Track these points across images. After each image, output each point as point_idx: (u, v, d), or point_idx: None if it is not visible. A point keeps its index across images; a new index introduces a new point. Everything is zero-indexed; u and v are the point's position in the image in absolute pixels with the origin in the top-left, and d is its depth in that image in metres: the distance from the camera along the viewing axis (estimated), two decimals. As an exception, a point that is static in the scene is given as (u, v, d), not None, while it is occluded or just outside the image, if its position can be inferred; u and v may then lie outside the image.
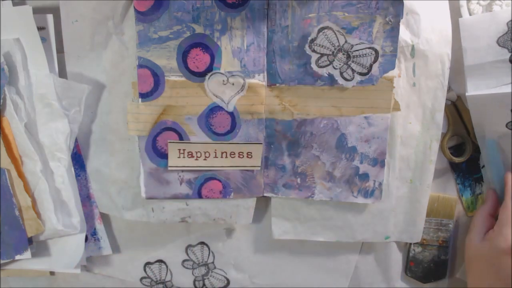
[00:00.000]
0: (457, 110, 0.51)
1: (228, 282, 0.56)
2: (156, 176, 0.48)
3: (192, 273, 0.56)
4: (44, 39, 0.46)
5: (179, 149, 0.47)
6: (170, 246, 0.55)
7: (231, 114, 0.47)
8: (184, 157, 0.48)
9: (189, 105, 0.46)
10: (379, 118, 0.46)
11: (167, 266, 0.55)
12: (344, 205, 0.50)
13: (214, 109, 0.46)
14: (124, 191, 0.50)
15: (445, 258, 0.55)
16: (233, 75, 0.45)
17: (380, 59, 0.44)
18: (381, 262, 0.56)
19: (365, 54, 0.44)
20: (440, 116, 0.48)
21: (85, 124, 0.49)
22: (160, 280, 0.56)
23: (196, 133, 0.47)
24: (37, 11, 0.45)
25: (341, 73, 0.45)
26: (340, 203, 0.50)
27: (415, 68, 0.47)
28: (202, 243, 0.54)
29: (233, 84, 0.45)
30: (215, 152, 0.48)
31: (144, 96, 0.46)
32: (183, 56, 0.45)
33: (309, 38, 0.44)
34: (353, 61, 0.44)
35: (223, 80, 0.45)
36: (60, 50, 0.47)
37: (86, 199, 0.51)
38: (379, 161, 0.48)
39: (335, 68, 0.45)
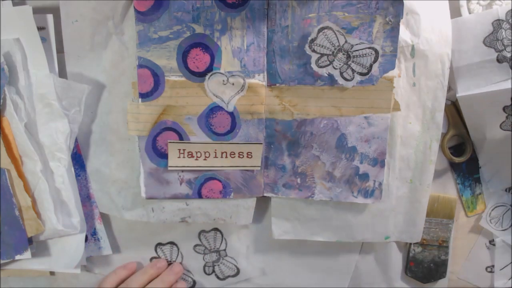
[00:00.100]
0: (457, 110, 0.51)
1: (238, 271, 0.56)
2: (156, 176, 0.48)
3: (203, 258, 0.56)
4: (44, 39, 0.46)
5: (179, 149, 0.47)
6: (182, 230, 0.55)
7: (231, 114, 0.47)
8: (184, 157, 0.48)
9: (189, 105, 0.46)
10: (379, 118, 0.46)
11: (178, 249, 0.55)
12: (344, 205, 0.50)
13: (214, 109, 0.46)
14: (124, 191, 0.50)
15: (445, 258, 0.55)
16: (233, 75, 0.45)
17: (380, 59, 0.44)
18: (381, 262, 0.56)
19: (365, 54, 0.44)
20: (440, 116, 0.48)
21: (85, 124, 0.49)
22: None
23: (196, 133, 0.47)
24: (37, 11, 0.44)
25: (341, 73, 0.45)
26: (340, 203, 0.50)
27: (415, 68, 0.47)
28: (216, 229, 0.54)
29: (233, 84, 0.45)
30: (215, 152, 0.48)
31: (144, 96, 0.46)
32: (183, 56, 0.45)
33: (309, 38, 0.44)
34: (353, 61, 0.44)
35: (223, 80, 0.45)
36: (60, 50, 0.47)
37: (86, 199, 0.51)
38: (379, 161, 0.48)
39: (335, 68, 0.45)
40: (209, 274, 0.56)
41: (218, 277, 0.56)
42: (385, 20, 0.43)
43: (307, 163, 0.48)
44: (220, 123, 0.47)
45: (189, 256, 0.55)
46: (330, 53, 0.44)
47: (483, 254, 0.57)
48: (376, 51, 0.44)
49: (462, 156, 0.52)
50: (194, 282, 0.57)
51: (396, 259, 0.56)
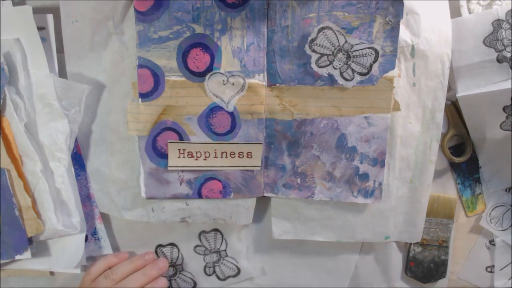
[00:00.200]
0: (457, 110, 0.51)
1: (239, 271, 0.56)
2: (156, 176, 0.48)
3: (204, 259, 0.56)
4: (44, 39, 0.46)
5: (179, 149, 0.47)
6: (182, 231, 0.55)
7: (231, 114, 0.47)
8: (184, 157, 0.48)
9: (189, 105, 0.46)
10: (379, 118, 0.46)
11: (179, 250, 0.55)
12: (344, 205, 0.50)
13: (214, 109, 0.46)
14: (124, 191, 0.50)
15: (445, 258, 0.55)
16: (233, 75, 0.45)
17: (380, 59, 0.44)
18: (381, 262, 0.56)
19: (365, 54, 0.44)
20: (440, 116, 0.48)
21: (85, 124, 0.49)
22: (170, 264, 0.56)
23: (196, 133, 0.47)
24: (37, 11, 0.45)
25: (341, 73, 0.45)
26: (340, 203, 0.50)
27: (415, 68, 0.47)
28: (216, 230, 0.54)
29: (233, 84, 0.45)
30: (215, 152, 0.48)
31: (144, 96, 0.46)
32: (183, 56, 0.45)
33: (309, 38, 0.44)
34: (353, 61, 0.44)
35: (223, 80, 0.45)
36: (60, 50, 0.47)
37: (86, 199, 0.51)
38: (379, 161, 0.48)
39: (335, 68, 0.45)
40: (209, 275, 0.56)
41: (218, 278, 0.56)
42: (385, 20, 0.43)
43: (307, 163, 0.48)
44: (220, 123, 0.47)
45: (190, 257, 0.55)
46: (330, 53, 0.44)
47: (483, 254, 0.57)
48: (376, 51, 0.44)
49: (462, 156, 0.52)
50: (195, 283, 0.57)
51: (396, 259, 0.56)
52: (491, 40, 0.45)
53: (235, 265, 0.55)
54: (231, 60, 0.45)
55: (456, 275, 0.57)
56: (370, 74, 0.45)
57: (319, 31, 0.43)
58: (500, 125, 0.49)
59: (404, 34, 0.46)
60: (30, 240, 0.49)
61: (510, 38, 0.45)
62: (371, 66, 0.44)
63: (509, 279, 0.56)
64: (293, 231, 0.52)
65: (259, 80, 0.46)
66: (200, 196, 0.49)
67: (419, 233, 0.52)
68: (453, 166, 0.54)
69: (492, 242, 0.56)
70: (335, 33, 0.44)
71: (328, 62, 0.44)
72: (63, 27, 0.46)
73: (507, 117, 0.48)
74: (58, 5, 0.45)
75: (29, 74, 0.46)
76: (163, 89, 0.45)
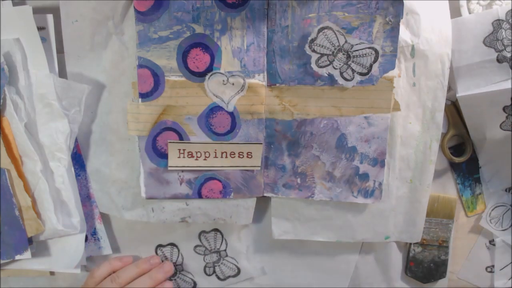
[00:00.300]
0: (457, 110, 0.51)
1: (239, 271, 0.56)
2: (156, 176, 0.48)
3: (204, 259, 0.56)
4: (44, 39, 0.46)
5: (179, 149, 0.47)
6: (182, 231, 0.55)
7: (231, 114, 0.47)
8: (184, 157, 0.48)
9: (189, 105, 0.46)
10: (379, 118, 0.46)
11: (179, 250, 0.55)
12: (344, 205, 0.50)
13: (214, 109, 0.46)
14: (124, 191, 0.50)
15: (445, 258, 0.55)
16: (233, 75, 0.45)
17: (380, 59, 0.44)
18: (381, 262, 0.56)
19: (365, 54, 0.44)
20: (440, 116, 0.48)
21: (85, 124, 0.49)
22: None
23: (196, 133, 0.47)
24: (37, 11, 0.45)
25: (341, 73, 0.45)
26: (340, 203, 0.50)
27: (415, 68, 0.47)
28: (216, 230, 0.54)
29: (233, 84, 0.45)
30: (215, 152, 0.48)
31: (144, 96, 0.46)
32: (183, 56, 0.45)
33: (309, 38, 0.44)
34: (353, 61, 0.44)
35: (223, 80, 0.45)
36: (60, 50, 0.47)
37: (86, 199, 0.51)
38: (379, 161, 0.48)
39: (335, 68, 0.45)
40: (209, 275, 0.56)
41: (218, 278, 0.56)
42: (385, 20, 0.43)
43: (307, 163, 0.48)
44: (220, 123, 0.47)
45: (190, 257, 0.55)
46: (330, 53, 0.44)
47: (483, 254, 0.57)
48: (376, 51, 0.44)
49: (462, 156, 0.52)
50: (195, 283, 0.57)
51: (396, 259, 0.56)
52: (491, 40, 0.45)
53: (235, 265, 0.55)
54: (231, 60, 0.45)
55: (456, 275, 0.57)
56: (370, 74, 0.45)
57: (319, 31, 0.43)
58: (500, 125, 0.49)
59: (404, 34, 0.46)
60: (30, 240, 0.49)
61: (510, 38, 0.45)
62: (371, 66, 0.44)
63: (509, 279, 0.56)
64: (293, 231, 0.52)
65: (259, 80, 0.46)
66: (200, 196, 0.49)
67: (419, 233, 0.52)
68: (453, 166, 0.54)
69: (492, 242, 0.56)
70: (335, 33, 0.44)
71: (328, 62, 0.44)
72: (63, 27, 0.46)
73: (507, 117, 0.48)
74: (58, 5, 0.45)
75: (29, 74, 0.46)
76: (163, 89, 0.45)
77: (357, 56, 0.44)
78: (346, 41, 0.44)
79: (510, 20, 0.45)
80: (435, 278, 0.56)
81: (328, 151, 0.48)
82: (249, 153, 0.48)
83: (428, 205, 0.51)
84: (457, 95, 0.48)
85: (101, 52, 0.47)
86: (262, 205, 0.53)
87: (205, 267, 0.56)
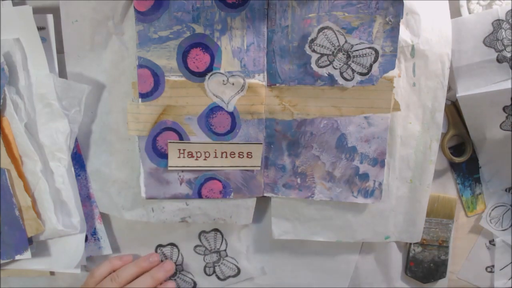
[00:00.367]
0: (457, 110, 0.51)
1: (239, 271, 0.56)
2: (156, 176, 0.48)
3: (204, 259, 0.56)
4: (44, 39, 0.46)
5: (179, 149, 0.47)
6: (182, 231, 0.54)
7: (231, 114, 0.47)
8: (184, 157, 0.48)
9: (189, 105, 0.46)
10: (379, 118, 0.46)
11: (179, 250, 0.55)
12: (344, 205, 0.50)
13: (214, 109, 0.46)
14: (124, 191, 0.50)
15: (445, 258, 0.55)
16: (233, 75, 0.45)
17: (380, 59, 0.44)
18: (381, 262, 0.56)
19: (365, 54, 0.44)
20: (440, 116, 0.48)
21: (85, 124, 0.49)
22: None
23: (196, 133, 0.47)
24: (37, 11, 0.44)
25: (341, 73, 0.45)
26: (340, 203, 0.50)
27: (415, 68, 0.47)
28: (216, 230, 0.54)
29: (233, 84, 0.45)
30: (215, 152, 0.48)
31: (144, 96, 0.46)
32: (183, 56, 0.45)
33: (309, 38, 0.44)
34: (353, 61, 0.44)
35: (223, 80, 0.45)
36: (60, 50, 0.47)
37: (86, 199, 0.51)
38: (379, 161, 0.48)
39: (335, 68, 0.45)
40: (209, 275, 0.56)
41: (218, 278, 0.56)
42: (385, 20, 0.43)
43: (307, 163, 0.48)
44: (220, 123, 0.47)
45: (190, 257, 0.55)
46: (330, 53, 0.44)
47: (483, 254, 0.57)
48: (376, 51, 0.44)
49: (462, 156, 0.52)
50: (195, 283, 0.57)
51: (396, 259, 0.56)
52: (491, 40, 0.46)
53: (235, 265, 0.55)
54: (231, 60, 0.45)
55: (456, 275, 0.57)
56: (370, 74, 0.45)
57: (319, 31, 0.43)
58: (500, 125, 0.49)
59: (404, 34, 0.46)
60: (30, 240, 0.49)
61: (510, 38, 0.45)
62: (371, 66, 0.44)
63: (509, 279, 0.56)
64: (293, 231, 0.52)
65: (259, 80, 0.46)
66: (200, 196, 0.49)
67: (419, 233, 0.52)
68: (453, 166, 0.54)
69: (492, 242, 0.56)
70: (335, 33, 0.44)
71: (328, 62, 0.44)
72: (63, 27, 0.46)
73: (507, 117, 0.48)
74: (58, 5, 0.45)
75: (29, 74, 0.46)
76: (163, 89, 0.45)
77: (357, 56, 0.44)
78: (346, 41, 0.44)
79: (510, 20, 0.45)
80: (435, 278, 0.56)
81: (328, 151, 0.48)
82: (249, 153, 0.48)
83: (428, 205, 0.51)
84: (457, 95, 0.48)
85: (101, 52, 0.47)
86: (262, 205, 0.53)
87: (205, 267, 0.56)
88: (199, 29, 0.44)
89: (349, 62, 0.44)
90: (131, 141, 0.49)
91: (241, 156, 0.48)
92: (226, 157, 0.48)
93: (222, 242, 0.55)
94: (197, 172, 0.48)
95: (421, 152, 0.49)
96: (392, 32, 0.44)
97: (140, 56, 0.45)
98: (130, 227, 0.54)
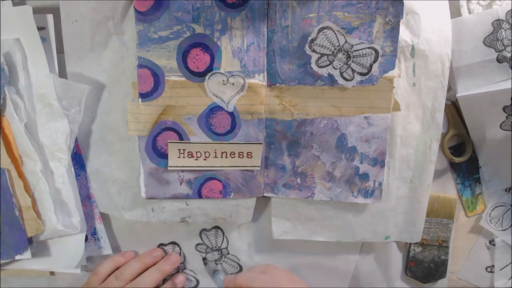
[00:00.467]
0: (457, 110, 0.51)
1: (241, 268, 0.56)
2: (156, 176, 0.48)
3: (205, 257, 0.56)
4: (44, 39, 0.46)
5: (179, 149, 0.47)
6: (183, 229, 0.54)
7: (231, 114, 0.47)
8: (184, 157, 0.48)
9: (189, 105, 0.46)
10: (379, 118, 0.46)
11: (180, 249, 0.55)
12: (344, 205, 0.50)
13: (214, 109, 0.46)
14: (124, 191, 0.50)
15: (445, 258, 0.55)
16: (233, 75, 0.45)
17: (380, 59, 0.44)
18: (381, 262, 0.56)
19: (365, 54, 0.44)
20: (440, 116, 0.48)
21: (85, 124, 0.49)
22: None
23: (196, 133, 0.47)
24: (37, 11, 0.44)
25: (341, 73, 0.45)
26: (340, 203, 0.50)
27: (415, 68, 0.47)
28: (217, 227, 0.54)
29: (233, 84, 0.45)
30: (215, 152, 0.48)
31: (144, 96, 0.46)
32: (183, 56, 0.45)
33: (309, 38, 0.44)
34: (353, 61, 0.44)
35: (223, 80, 0.45)
36: (60, 50, 0.47)
37: (86, 199, 0.51)
38: (379, 161, 0.48)
39: (335, 68, 0.45)
40: None
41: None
42: (385, 20, 0.43)
43: (307, 163, 0.48)
44: (220, 123, 0.47)
45: (192, 256, 0.55)
46: (330, 53, 0.44)
47: (483, 254, 0.57)
48: (376, 51, 0.44)
49: (462, 156, 0.52)
50: (198, 281, 0.57)
51: (396, 259, 0.56)
52: (491, 40, 0.46)
53: (237, 262, 0.56)
54: (231, 60, 0.45)
55: (456, 275, 0.58)
56: (370, 74, 0.45)
57: (319, 31, 0.43)
58: (500, 125, 0.49)
59: (404, 34, 0.46)
60: (30, 240, 0.49)
61: (510, 38, 0.45)
62: (371, 66, 0.44)
63: (509, 279, 0.56)
64: (293, 231, 0.52)
65: (259, 80, 0.46)
66: (200, 196, 0.49)
67: (419, 233, 0.52)
68: (453, 166, 0.54)
69: (492, 242, 0.56)
70: (335, 33, 0.44)
71: (328, 62, 0.44)
72: (63, 27, 0.46)
73: (507, 117, 0.48)
74: (58, 5, 0.45)
75: (29, 74, 0.46)
76: (163, 89, 0.45)
77: (357, 56, 0.44)
78: (346, 41, 0.44)
79: (510, 20, 0.45)
80: (435, 278, 0.56)
81: (328, 151, 0.48)
82: (249, 153, 0.48)
83: (428, 205, 0.51)
84: (457, 95, 0.48)
85: (101, 52, 0.47)
86: (262, 205, 0.53)
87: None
88: (199, 29, 0.44)
89: (349, 62, 0.44)
90: (131, 141, 0.49)
91: (241, 156, 0.48)
92: (226, 157, 0.48)
93: (223, 240, 0.55)
94: (197, 172, 0.48)
95: (421, 152, 0.49)
96: (392, 32, 0.44)
97: (140, 56, 0.45)
98: (130, 227, 0.54)
